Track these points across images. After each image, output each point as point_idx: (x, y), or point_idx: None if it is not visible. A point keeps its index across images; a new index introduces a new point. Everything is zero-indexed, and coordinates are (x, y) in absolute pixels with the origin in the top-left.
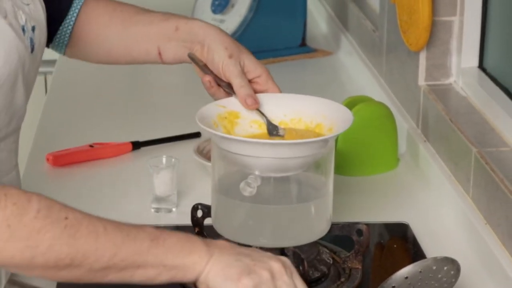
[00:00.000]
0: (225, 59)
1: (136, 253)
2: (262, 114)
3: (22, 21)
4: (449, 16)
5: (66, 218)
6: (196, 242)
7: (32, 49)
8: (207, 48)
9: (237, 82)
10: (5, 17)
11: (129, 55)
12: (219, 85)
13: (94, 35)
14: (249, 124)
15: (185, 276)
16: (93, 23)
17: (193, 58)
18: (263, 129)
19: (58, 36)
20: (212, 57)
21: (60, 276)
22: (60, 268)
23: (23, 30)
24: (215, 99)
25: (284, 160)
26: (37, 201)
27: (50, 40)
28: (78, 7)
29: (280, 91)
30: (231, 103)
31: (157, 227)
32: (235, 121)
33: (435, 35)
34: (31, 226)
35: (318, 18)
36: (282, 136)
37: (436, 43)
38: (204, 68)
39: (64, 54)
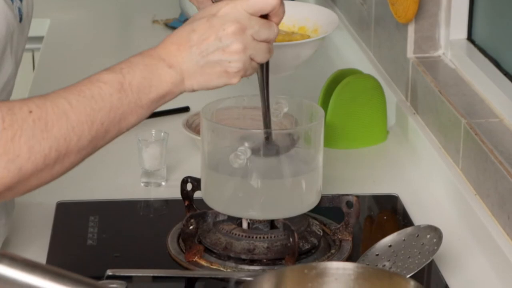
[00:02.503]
0: None
1: (111, 110)
2: None
3: None
4: None
5: (30, 112)
6: (158, 68)
7: (21, 19)
8: None
9: None
10: None
11: None
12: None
13: None
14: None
15: (171, 98)
16: None
17: None
18: None
19: None
20: None
21: (57, 172)
22: (51, 165)
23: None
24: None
25: (277, 59)
26: (2, 108)
27: None
28: None
29: None
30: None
31: (114, 67)
32: None
33: (424, 7)
34: (3, 139)
35: None
36: None
37: (425, 15)
38: None
39: None
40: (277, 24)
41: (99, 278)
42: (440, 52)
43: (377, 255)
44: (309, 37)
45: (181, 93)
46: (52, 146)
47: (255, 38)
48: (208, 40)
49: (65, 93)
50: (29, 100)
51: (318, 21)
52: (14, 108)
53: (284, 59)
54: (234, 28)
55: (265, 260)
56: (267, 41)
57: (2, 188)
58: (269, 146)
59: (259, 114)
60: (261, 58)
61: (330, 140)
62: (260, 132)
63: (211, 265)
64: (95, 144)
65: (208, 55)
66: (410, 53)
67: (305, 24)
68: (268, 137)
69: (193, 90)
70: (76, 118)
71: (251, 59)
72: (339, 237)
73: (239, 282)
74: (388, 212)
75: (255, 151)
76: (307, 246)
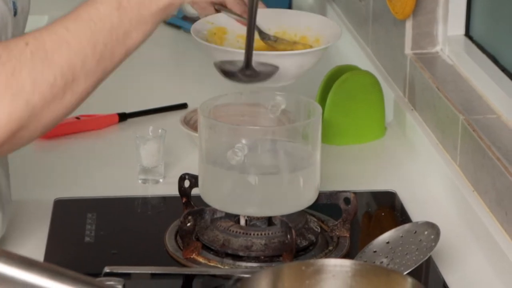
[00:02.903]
0: None
1: (112, 30)
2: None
3: None
4: None
5: (27, 44)
6: None
7: (15, 13)
8: None
9: (231, 0)
10: None
11: None
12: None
13: None
14: (236, 39)
15: (172, 10)
16: None
17: None
18: None
19: None
20: None
21: (70, 102)
22: (60, 94)
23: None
24: (202, 15)
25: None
26: None
27: None
28: None
29: (265, 7)
30: (219, 19)
31: None
32: (223, 36)
33: (421, 3)
34: (3, 75)
35: None
36: (274, 41)
37: (422, 11)
38: None
39: None
40: None
41: (97, 275)
42: (438, 48)
43: (374, 251)
44: (311, 47)
45: (183, 2)
46: (56, 74)
47: None
48: None
49: (62, 20)
50: (25, 34)
51: (320, 31)
52: (10, 45)
53: (285, 68)
54: None
55: (262, 257)
56: None
57: (15, 126)
58: (248, 71)
59: (257, 111)
60: None
61: (328, 137)
62: (258, 129)
63: (209, 262)
64: (104, 67)
65: None
66: (408, 49)
67: (306, 34)
68: (248, 62)
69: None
70: (76, 43)
71: None
72: (337, 233)
73: (237, 279)
74: (386, 209)
75: (252, 148)
76: (304, 243)
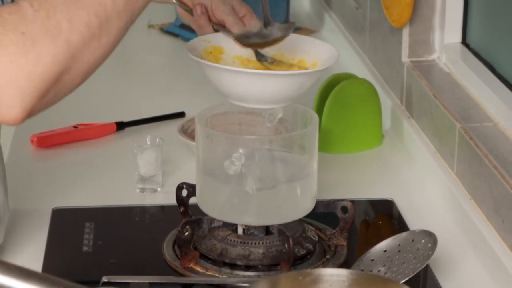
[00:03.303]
0: None
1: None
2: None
3: None
4: None
5: (22, 33)
6: None
7: None
8: None
9: (230, 20)
10: None
11: None
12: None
13: None
14: (232, 59)
15: None
16: None
17: (179, 2)
18: (245, 65)
19: None
20: None
21: (107, 44)
22: (97, 33)
23: (2, 1)
24: (200, 33)
25: (273, 90)
26: (23, 2)
27: None
28: None
29: None
30: (216, 38)
31: None
32: (219, 56)
33: (418, 11)
34: (39, 19)
35: None
36: (271, 63)
37: (419, 19)
38: (190, 11)
39: None
40: None
41: (95, 284)
42: (434, 56)
43: (372, 260)
44: (306, 69)
45: None
46: (90, 13)
47: None
48: None
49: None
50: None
51: (318, 55)
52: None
53: (279, 89)
54: None
55: (260, 266)
56: None
57: (60, 68)
58: (264, 32)
59: (254, 120)
60: None
61: (325, 145)
62: (255, 138)
63: (207, 271)
64: (132, 6)
65: None
66: (404, 57)
67: (304, 57)
68: (266, 20)
69: None
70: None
71: None
72: (334, 242)
73: None
74: (384, 217)
75: (250, 157)
76: (302, 252)
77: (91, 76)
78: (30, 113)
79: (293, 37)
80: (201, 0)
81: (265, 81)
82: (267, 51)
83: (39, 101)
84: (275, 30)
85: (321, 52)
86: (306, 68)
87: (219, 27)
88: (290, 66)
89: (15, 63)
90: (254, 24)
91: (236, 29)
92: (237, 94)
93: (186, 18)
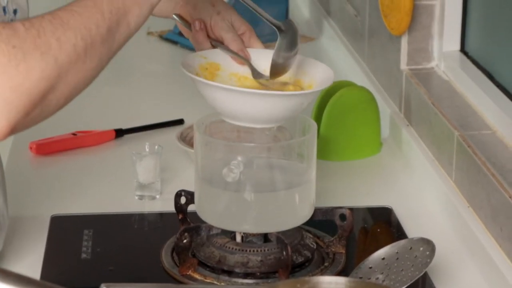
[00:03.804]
0: (213, 15)
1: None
2: (249, 64)
3: (4, 2)
4: (431, 0)
5: (43, 16)
6: None
7: None
8: (193, 4)
9: (229, 37)
10: None
11: None
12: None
13: None
14: (229, 76)
15: None
16: None
17: (179, 17)
18: (242, 82)
19: None
20: (199, 14)
21: (90, 68)
22: (82, 55)
23: (4, 10)
24: (198, 49)
25: (267, 110)
26: (15, 22)
27: None
28: None
29: (263, 47)
30: (213, 55)
31: None
32: (215, 72)
33: (417, 19)
34: (30, 37)
35: (300, 3)
36: (266, 80)
37: (418, 27)
38: (189, 27)
39: None
40: None
41: None
42: (433, 64)
43: (370, 267)
44: (302, 89)
45: None
46: (77, 34)
47: None
48: None
49: (63, 7)
50: (36, 16)
51: (314, 75)
52: (29, 18)
53: (274, 109)
54: None
55: (258, 274)
56: None
57: (46, 85)
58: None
59: (253, 128)
60: None
61: (323, 152)
62: (254, 146)
63: (205, 278)
64: (113, 36)
65: None
66: (403, 65)
67: (301, 78)
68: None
69: None
70: (85, 11)
71: None
72: (333, 250)
73: None
74: (382, 225)
75: (248, 165)
76: (300, 259)
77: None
78: (14, 129)
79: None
80: (201, 15)
81: (260, 100)
82: (266, 69)
83: (24, 117)
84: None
85: (317, 73)
86: (302, 88)
87: (217, 43)
88: (286, 84)
89: (4, 74)
90: (253, 42)
91: (234, 46)
92: (230, 112)
93: (185, 33)
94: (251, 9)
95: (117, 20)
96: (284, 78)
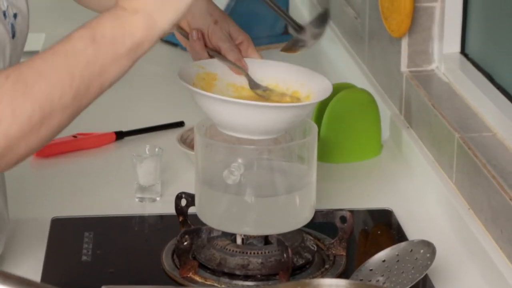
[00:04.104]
0: (210, 24)
1: (89, 64)
2: (247, 74)
3: (4, 6)
4: (431, 2)
5: (8, 77)
6: (126, 16)
7: (13, 35)
8: (191, 14)
9: (226, 46)
10: None
11: None
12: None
13: None
14: (226, 86)
15: (150, 44)
16: None
17: (176, 27)
18: (239, 92)
19: None
20: (197, 23)
21: (45, 135)
22: (37, 126)
23: (4, 14)
24: (195, 58)
25: (265, 121)
26: None
27: None
28: None
29: (261, 57)
30: (210, 65)
31: (84, 24)
32: (212, 83)
33: (417, 21)
34: None
35: (301, 6)
36: (263, 91)
37: (418, 29)
38: (187, 36)
39: None
40: None
41: None
42: (433, 66)
43: (371, 270)
44: (299, 100)
45: (159, 36)
46: (35, 106)
47: None
48: None
49: (41, 55)
50: (6, 69)
51: (312, 87)
52: None
53: (271, 120)
54: None
55: (259, 276)
56: None
57: None
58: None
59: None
60: None
61: (324, 155)
62: (254, 148)
63: (206, 281)
64: (79, 102)
65: None
66: (403, 67)
67: (298, 89)
68: (297, 25)
69: (172, 28)
70: (54, 76)
71: None
72: (333, 252)
73: None
74: (382, 227)
75: (248, 167)
76: (301, 262)
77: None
78: None
79: (289, 67)
80: (198, 25)
81: (255, 112)
82: (263, 79)
83: None
84: (308, 34)
85: (315, 84)
86: (299, 99)
87: (214, 53)
88: (283, 95)
89: None
90: (251, 52)
91: (232, 56)
92: (227, 123)
93: (183, 42)
94: (273, 10)
95: (88, 85)
96: (281, 89)
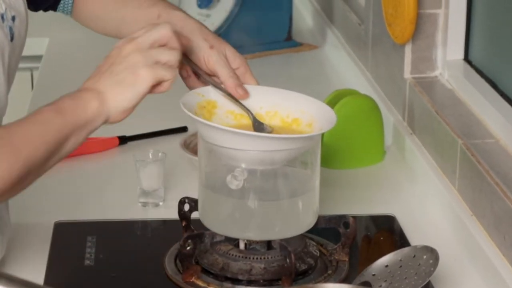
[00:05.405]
0: (206, 49)
1: (58, 131)
2: (247, 109)
3: (2, 9)
4: (434, 9)
5: (1, 138)
6: (81, 93)
7: (12, 38)
8: (186, 39)
9: (225, 72)
10: None
11: (120, 33)
12: (196, 74)
13: (91, 12)
14: (225, 114)
15: (98, 122)
16: (89, 2)
17: None
18: (238, 120)
19: (61, 5)
20: (191, 48)
21: (19, 190)
22: (19, 182)
23: (2, 18)
24: (190, 88)
25: (268, 153)
26: None
27: (54, 9)
28: None
29: (258, 83)
30: (209, 92)
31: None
32: (213, 111)
33: (421, 27)
34: None
35: (304, 12)
36: (269, 133)
37: (422, 35)
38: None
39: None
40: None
41: None
42: (437, 72)
43: (373, 275)
44: (300, 133)
45: (106, 119)
46: (23, 165)
47: (156, 59)
48: (113, 63)
49: (18, 123)
50: None
51: (314, 115)
52: None
53: (270, 152)
54: (133, 47)
55: (262, 281)
56: (168, 60)
57: None
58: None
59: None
60: (166, 57)
61: (327, 160)
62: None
63: (208, 285)
64: (47, 164)
65: (115, 71)
66: (407, 73)
67: (299, 116)
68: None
69: (124, 113)
70: (35, 141)
71: (161, 66)
72: (336, 257)
73: None
74: (385, 233)
75: (252, 172)
76: (304, 267)
77: None
78: None
79: (288, 94)
80: (193, 51)
81: (254, 142)
82: (262, 106)
83: None
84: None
85: (317, 112)
86: (301, 131)
87: (209, 79)
88: (282, 128)
89: None
90: (248, 77)
91: (231, 82)
92: (228, 153)
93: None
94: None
95: (56, 150)
96: (282, 116)
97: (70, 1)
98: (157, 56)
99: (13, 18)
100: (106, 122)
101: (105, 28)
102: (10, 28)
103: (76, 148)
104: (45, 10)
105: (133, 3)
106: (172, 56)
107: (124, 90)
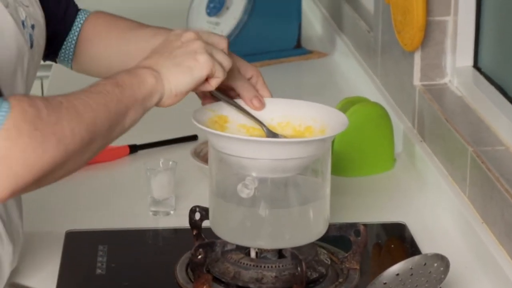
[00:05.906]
0: None
1: (118, 101)
2: (259, 122)
3: (23, 16)
4: (444, 16)
5: (61, 102)
6: (138, 70)
7: (31, 45)
8: None
9: (240, 84)
10: (7, 6)
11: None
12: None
13: (94, 53)
14: (237, 128)
15: (157, 98)
16: (93, 40)
17: None
18: (251, 133)
19: (63, 51)
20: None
21: (86, 157)
22: (84, 148)
23: (23, 24)
24: (203, 103)
25: (281, 161)
26: (38, 100)
27: (56, 55)
28: (81, 23)
29: (270, 94)
30: (220, 107)
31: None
32: (224, 125)
33: (430, 35)
34: (51, 123)
35: (313, 19)
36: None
37: (431, 43)
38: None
39: (71, 68)
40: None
41: None
42: (446, 79)
43: (384, 283)
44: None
45: (160, 98)
46: (85, 129)
47: (214, 54)
48: (173, 46)
49: (81, 92)
50: (56, 95)
51: (325, 121)
52: (49, 100)
53: (286, 158)
54: (194, 36)
55: None
56: (223, 61)
57: (51, 169)
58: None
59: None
60: (221, 58)
61: (337, 168)
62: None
63: None
64: (111, 133)
65: (175, 53)
66: (416, 81)
67: (312, 124)
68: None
69: (170, 99)
70: (97, 108)
71: (217, 62)
72: (347, 266)
73: None
74: (396, 241)
75: (262, 181)
76: (315, 275)
77: None
78: (12, 195)
79: (299, 103)
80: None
81: (272, 149)
82: (273, 117)
83: (23, 189)
84: None
85: (328, 118)
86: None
87: (220, 95)
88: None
89: (23, 153)
90: (260, 87)
91: (247, 94)
92: (239, 162)
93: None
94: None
95: (117, 121)
96: (294, 126)
97: (72, 46)
98: (216, 52)
99: (33, 27)
100: (159, 103)
101: (110, 67)
102: (30, 36)
103: (134, 125)
104: (45, 59)
105: (136, 37)
106: (226, 60)
107: (181, 73)
